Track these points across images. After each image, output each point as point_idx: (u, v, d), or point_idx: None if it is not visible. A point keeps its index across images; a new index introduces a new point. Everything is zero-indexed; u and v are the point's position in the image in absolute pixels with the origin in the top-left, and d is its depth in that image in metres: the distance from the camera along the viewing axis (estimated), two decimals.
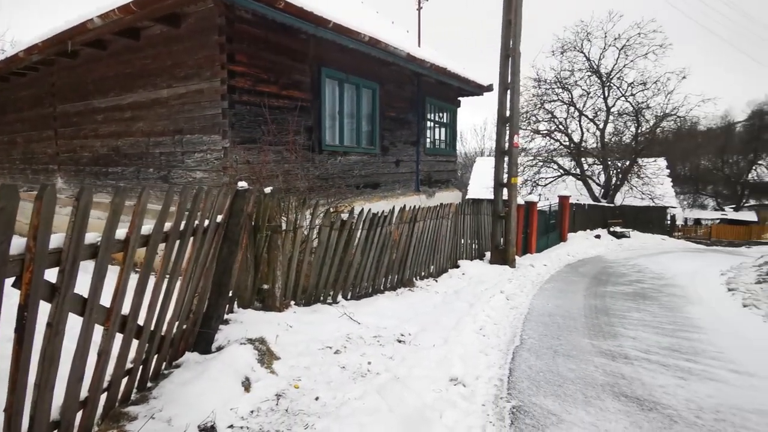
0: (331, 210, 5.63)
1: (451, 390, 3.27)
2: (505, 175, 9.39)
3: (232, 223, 3.35)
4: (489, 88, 11.64)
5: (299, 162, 6.30)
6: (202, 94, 6.37)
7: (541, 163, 22.06)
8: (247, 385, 3.01)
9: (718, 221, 32.01)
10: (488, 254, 9.71)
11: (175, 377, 2.97)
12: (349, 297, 5.70)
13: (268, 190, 4.52)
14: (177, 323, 3.07)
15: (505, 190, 9.45)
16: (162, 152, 7.20)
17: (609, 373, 3.80)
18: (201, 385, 2.83)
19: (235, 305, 4.32)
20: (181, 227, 2.69)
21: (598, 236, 16.44)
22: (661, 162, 23.51)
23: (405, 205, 6.61)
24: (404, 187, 10.02)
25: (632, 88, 20.55)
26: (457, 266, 8.52)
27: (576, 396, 3.32)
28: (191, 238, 2.85)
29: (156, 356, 2.96)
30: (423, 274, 7.41)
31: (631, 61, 20.23)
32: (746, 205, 36.25)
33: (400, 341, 4.35)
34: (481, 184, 25.38)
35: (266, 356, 3.49)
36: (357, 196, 8.28)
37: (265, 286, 4.66)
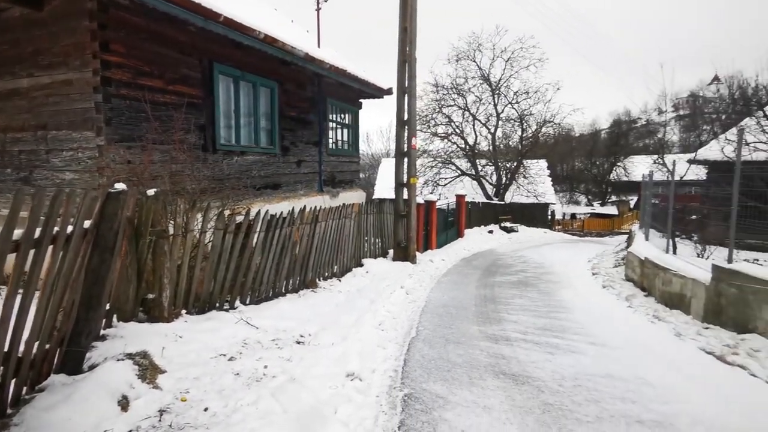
0: (228, 212, 5.39)
1: (348, 385, 3.35)
2: (405, 176, 9.78)
3: (103, 228, 3.05)
4: (389, 92, 12.01)
5: (190, 162, 5.91)
6: (71, 86, 5.68)
7: (441, 164, 23.35)
8: (124, 403, 2.77)
9: (588, 215, 36.79)
10: (391, 252, 10.04)
11: (38, 402, 2.64)
12: (248, 302, 5.50)
13: (151, 192, 4.19)
14: (38, 343, 2.72)
15: (405, 190, 9.85)
16: (22, 150, 6.27)
17: (492, 355, 4.18)
18: (68, 408, 2.54)
19: (115, 318, 3.93)
20: (36, 235, 2.39)
21: (491, 231, 17.88)
22: (543, 163, 26.33)
23: (305, 206, 6.56)
24: (307, 187, 9.93)
25: (517, 96, 22.71)
26: (361, 265, 8.68)
27: (462, 378, 3.60)
28: (50, 247, 2.54)
29: (13, 380, 2.60)
30: (326, 274, 7.42)
31: (516, 72, 22.34)
32: (610, 201, 42.27)
33: (299, 342, 4.32)
34: (386, 184, 26.04)
35: (149, 371, 3.24)
36: (256, 197, 8.02)
37: (151, 296, 4.32)
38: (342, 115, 11.93)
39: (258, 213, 5.53)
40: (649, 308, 6.08)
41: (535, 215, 23.61)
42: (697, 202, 13.58)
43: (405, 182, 9.79)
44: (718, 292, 4.92)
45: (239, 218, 5.31)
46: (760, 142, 8.29)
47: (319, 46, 10.30)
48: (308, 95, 10.03)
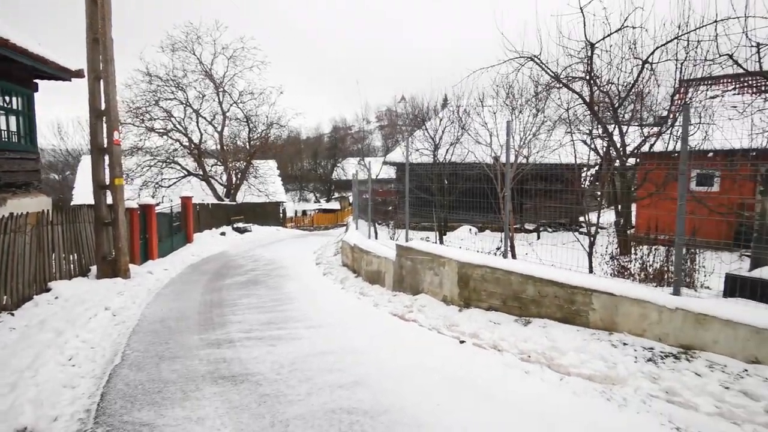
0: None
1: None
2: (108, 176, 8.29)
3: None
4: (79, 74, 9.80)
5: None
6: None
7: (163, 164, 20.97)
8: None
9: (317, 211, 40.40)
10: (95, 268, 8.34)
11: None
12: None
13: None
14: None
15: (109, 193, 8.35)
16: None
17: (212, 362, 4.02)
18: None
19: None
20: None
21: (223, 233, 17.26)
22: (272, 163, 27.22)
23: None
24: None
25: (243, 96, 22.62)
26: (48, 290, 6.86)
27: (175, 396, 3.32)
28: None
29: None
30: None
31: (240, 71, 22.19)
32: (333, 197, 47.67)
33: None
34: (90, 186, 21.52)
35: None
36: None
37: None
38: (6, 98, 9.06)
39: None
40: (358, 287, 7.15)
41: (268, 214, 24.21)
42: (394, 196, 16.82)
43: (108, 184, 8.30)
44: (400, 265, 6.23)
45: None
46: (425, 148, 10.98)
47: None
48: None
